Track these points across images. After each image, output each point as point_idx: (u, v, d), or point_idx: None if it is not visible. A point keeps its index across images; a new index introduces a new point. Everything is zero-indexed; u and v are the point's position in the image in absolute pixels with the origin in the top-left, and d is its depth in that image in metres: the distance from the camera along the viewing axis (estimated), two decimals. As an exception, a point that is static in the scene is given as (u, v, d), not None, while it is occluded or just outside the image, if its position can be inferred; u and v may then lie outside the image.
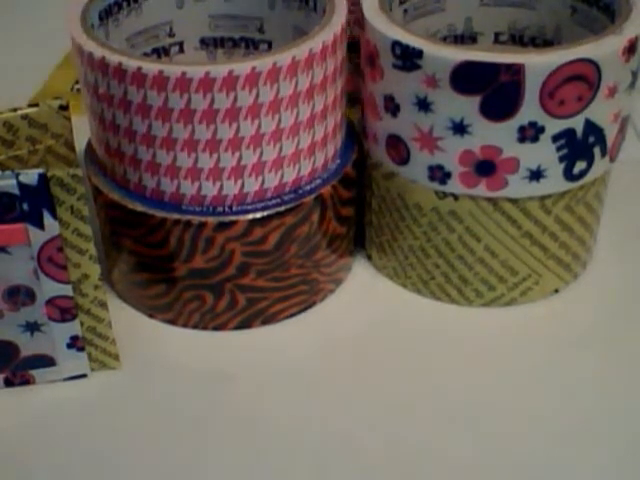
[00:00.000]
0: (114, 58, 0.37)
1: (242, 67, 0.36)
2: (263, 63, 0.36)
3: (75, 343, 0.38)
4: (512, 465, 0.35)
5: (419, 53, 0.36)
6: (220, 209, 0.39)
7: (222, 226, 0.39)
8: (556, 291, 0.43)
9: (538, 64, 0.35)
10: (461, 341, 0.41)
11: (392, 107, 0.39)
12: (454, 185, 0.39)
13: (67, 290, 0.37)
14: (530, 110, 0.36)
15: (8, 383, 0.39)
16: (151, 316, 0.43)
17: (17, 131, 0.38)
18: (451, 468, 0.35)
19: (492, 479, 0.35)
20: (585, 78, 0.36)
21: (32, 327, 0.38)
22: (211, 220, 0.39)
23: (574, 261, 0.43)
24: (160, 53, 0.46)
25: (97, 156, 0.42)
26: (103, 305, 0.38)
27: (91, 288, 0.37)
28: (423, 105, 0.38)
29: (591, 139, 0.38)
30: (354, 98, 0.44)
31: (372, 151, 0.42)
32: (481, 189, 0.39)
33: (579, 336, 0.41)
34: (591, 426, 0.37)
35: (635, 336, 0.41)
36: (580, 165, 0.39)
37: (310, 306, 0.43)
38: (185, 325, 0.43)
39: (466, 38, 0.46)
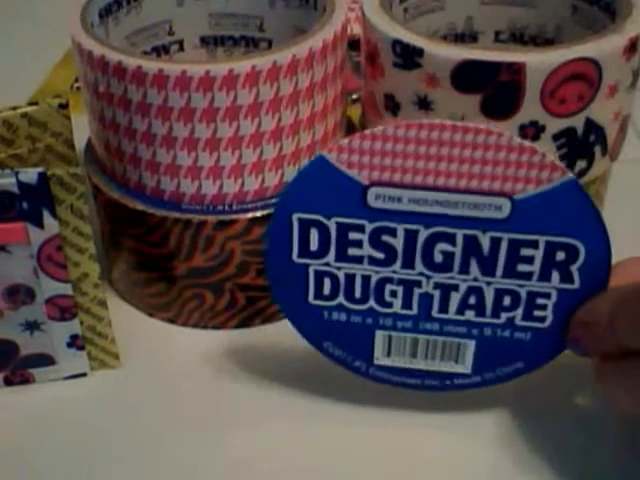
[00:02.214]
0: (114, 56, 0.37)
1: (242, 66, 0.36)
2: (263, 62, 0.36)
3: (75, 342, 0.38)
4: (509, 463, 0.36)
5: (420, 52, 0.36)
6: (220, 208, 0.39)
7: (222, 225, 0.39)
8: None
9: (539, 63, 0.35)
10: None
11: (392, 106, 0.39)
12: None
13: (67, 289, 0.37)
14: (531, 109, 0.36)
15: (8, 382, 0.39)
16: (151, 315, 0.43)
17: (17, 130, 0.38)
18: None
19: None
20: (586, 77, 0.36)
21: (32, 326, 0.38)
22: (211, 219, 0.39)
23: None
24: (160, 51, 0.46)
25: (97, 155, 0.42)
26: (103, 304, 0.38)
27: (91, 287, 0.37)
28: (423, 104, 0.38)
29: (592, 138, 0.38)
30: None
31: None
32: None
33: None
34: (590, 423, 0.37)
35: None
36: (580, 164, 0.39)
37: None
38: (185, 324, 0.43)
39: (466, 37, 0.46)
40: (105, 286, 0.39)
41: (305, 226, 0.33)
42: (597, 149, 0.39)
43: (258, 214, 0.39)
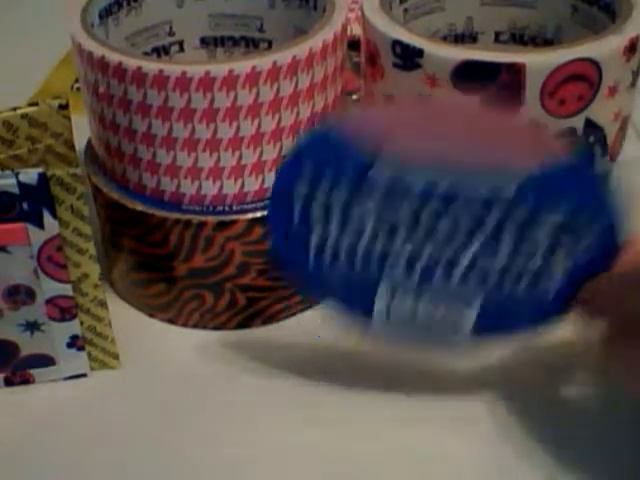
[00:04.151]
0: (114, 57, 0.37)
1: (242, 66, 0.36)
2: (263, 62, 0.36)
3: (75, 342, 0.38)
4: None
5: (420, 52, 0.36)
6: (220, 208, 0.39)
7: (222, 225, 0.39)
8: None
9: (539, 63, 0.35)
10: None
11: (392, 106, 0.39)
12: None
13: (67, 289, 0.37)
14: (531, 109, 0.36)
15: (8, 382, 0.39)
16: (151, 315, 0.43)
17: (17, 130, 0.38)
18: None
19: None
20: (586, 77, 0.36)
21: (32, 326, 0.38)
22: (211, 219, 0.39)
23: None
24: (160, 52, 0.46)
25: (97, 155, 0.42)
26: (103, 304, 0.38)
27: (91, 287, 0.37)
28: (423, 104, 0.38)
29: (591, 138, 0.38)
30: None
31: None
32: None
33: (578, 335, 0.41)
34: (589, 423, 0.37)
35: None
36: None
37: (310, 306, 0.43)
38: (185, 324, 0.43)
39: (466, 37, 0.46)
40: (105, 287, 0.39)
41: (309, 195, 0.33)
42: (597, 149, 0.39)
43: (258, 214, 0.39)
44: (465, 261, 0.34)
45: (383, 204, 0.33)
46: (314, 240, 0.34)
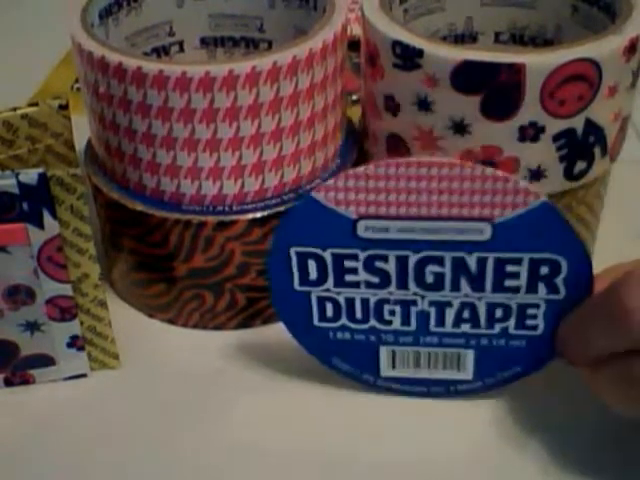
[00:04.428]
0: (114, 57, 0.37)
1: (242, 66, 0.36)
2: (263, 62, 0.36)
3: (75, 342, 0.38)
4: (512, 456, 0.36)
5: (419, 52, 0.36)
6: (220, 208, 0.39)
7: (222, 225, 0.39)
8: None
9: (539, 64, 0.35)
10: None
11: (392, 107, 0.39)
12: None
13: (67, 289, 0.37)
14: (530, 110, 0.36)
15: (8, 383, 0.39)
16: (151, 316, 0.43)
17: (17, 130, 0.38)
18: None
19: None
20: (586, 78, 0.36)
21: (32, 326, 0.38)
22: (211, 219, 0.39)
23: (574, 261, 0.43)
24: (160, 52, 0.46)
25: (97, 155, 0.42)
26: (103, 304, 0.38)
27: (91, 287, 0.37)
28: (423, 104, 0.38)
29: (591, 139, 0.38)
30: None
31: (372, 151, 0.42)
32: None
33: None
34: (590, 424, 0.37)
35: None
36: (580, 165, 0.39)
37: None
38: (185, 325, 0.43)
39: (466, 37, 0.46)
40: (105, 287, 0.39)
41: (303, 258, 0.35)
42: (597, 150, 0.39)
43: (258, 215, 0.39)
44: (455, 307, 0.35)
45: (370, 261, 0.35)
46: (314, 301, 0.36)
